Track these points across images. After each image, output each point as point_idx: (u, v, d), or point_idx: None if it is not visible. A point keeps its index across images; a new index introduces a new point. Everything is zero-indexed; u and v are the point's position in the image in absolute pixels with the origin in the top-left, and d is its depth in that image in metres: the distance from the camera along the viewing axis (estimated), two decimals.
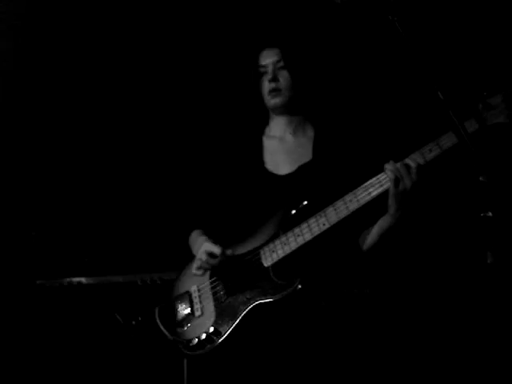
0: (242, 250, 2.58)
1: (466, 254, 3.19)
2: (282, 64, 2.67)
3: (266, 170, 2.67)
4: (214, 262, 2.53)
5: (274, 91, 2.66)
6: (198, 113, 4.03)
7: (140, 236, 4.07)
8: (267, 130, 2.78)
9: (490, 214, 2.57)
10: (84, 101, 4.14)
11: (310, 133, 2.73)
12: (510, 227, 1.92)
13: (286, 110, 2.70)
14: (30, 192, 4.20)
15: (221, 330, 2.51)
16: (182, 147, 4.03)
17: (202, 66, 4.01)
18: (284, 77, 2.66)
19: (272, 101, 2.68)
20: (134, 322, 3.68)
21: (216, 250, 2.52)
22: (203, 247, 2.55)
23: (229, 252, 2.53)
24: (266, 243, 2.54)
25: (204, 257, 2.53)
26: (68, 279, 3.93)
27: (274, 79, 2.66)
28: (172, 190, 3.81)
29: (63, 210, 4.22)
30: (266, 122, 2.79)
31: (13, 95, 4.07)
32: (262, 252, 2.53)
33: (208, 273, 2.61)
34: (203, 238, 2.63)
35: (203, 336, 2.52)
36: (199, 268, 2.56)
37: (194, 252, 2.66)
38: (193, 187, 2.84)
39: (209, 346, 2.51)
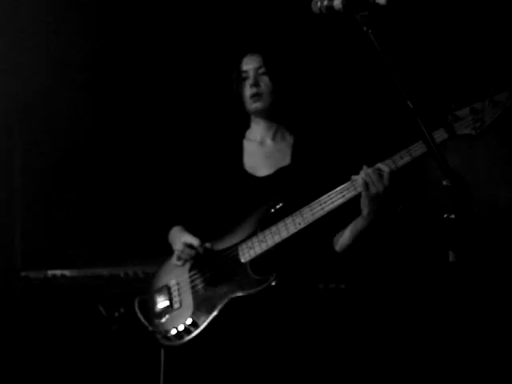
0: (221, 246, 2.69)
1: (430, 253, 3.32)
2: (263, 70, 2.76)
3: (245, 171, 2.78)
4: (192, 252, 2.64)
5: (255, 96, 2.76)
6: (181, 113, 4.13)
7: (124, 230, 4.16)
8: (248, 134, 2.89)
9: (453, 216, 2.70)
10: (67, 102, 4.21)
11: (290, 138, 2.83)
12: (470, 228, 2.05)
13: (266, 114, 2.81)
14: (14, 185, 4.28)
15: (198, 321, 2.62)
16: (165, 146, 4.12)
17: (187, 70, 4.11)
18: (265, 82, 2.76)
19: (253, 105, 2.78)
20: (116, 314, 3.78)
21: (194, 241, 2.64)
22: (182, 238, 2.67)
23: (207, 245, 2.64)
24: (244, 240, 2.65)
25: (182, 247, 2.65)
26: (52, 271, 4.02)
27: (255, 84, 2.75)
28: (154, 187, 3.90)
29: (49, 202, 4.30)
30: (247, 126, 2.89)
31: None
32: (239, 248, 2.65)
33: (187, 267, 2.72)
34: (183, 232, 2.74)
35: (181, 327, 2.63)
36: (179, 258, 2.67)
37: (174, 247, 2.76)
38: (174, 184, 2.95)
39: (186, 336, 2.62)
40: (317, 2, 2.24)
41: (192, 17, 4.04)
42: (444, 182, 1.92)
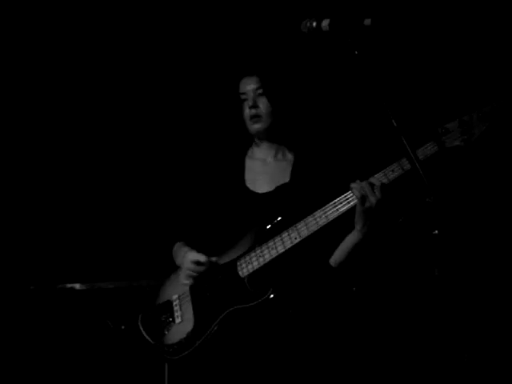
0: (220, 261, 2.76)
1: (417, 267, 3.38)
2: (261, 91, 2.82)
3: (246, 187, 2.85)
4: (200, 269, 2.72)
5: (255, 117, 2.82)
6: (183, 130, 4.20)
7: (130, 244, 4.23)
8: (250, 152, 2.96)
9: (436, 231, 2.76)
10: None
11: (290, 157, 2.90)
12: (452, 244, 2.10)
13: (267, 134, 2.87)
14: (24, 198, 4.35)
15: (199, 334, 2.69)
16: (168, 161, 4.19)
17: (191, 91, 4.18)
18: (264, 103, 2.82)
19: (253, 126, 2.84)
20: (123, 327, 3.86)
21: (201, 257, 2.72)
22: (189, 257, 2.74)
23: (213, 259, 2.72)
24: (243, 255, 2.72)
25: (191, 266, 2.73)
26: (61, 285, 4.09)
27: (254, 106, 2.81)
28: (156, 202, 3.97)
29: (55, 217, 4.37)
30: (249, 145, 2.96)
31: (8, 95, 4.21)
32: (238, 263, 2.72)
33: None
34: (186, 248, 2.81)
35: (183, 341, 2.71)
36: (188, 277, 2.75)
37: (178, 263, 2.84)
38: (174, 200, 3.02)
39: (188, 349, 2.69)
40: (306, 23, 2.31)
41: (190, 37, 4.11)
42: (427, 199, 1.98)
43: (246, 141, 2.95)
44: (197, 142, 4.02)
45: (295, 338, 2.71)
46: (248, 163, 2.92)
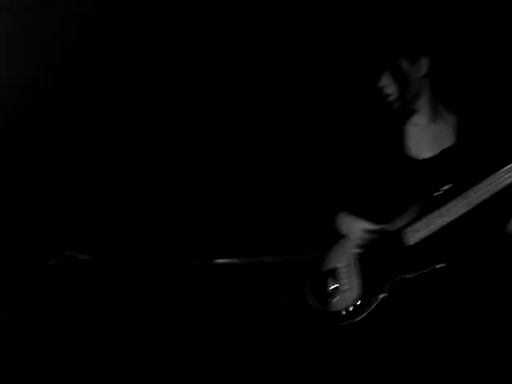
0: (387, 228, 2.76)
1: None
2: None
3: (408, 155, 2.82)
4: (370, 238, 2.75)
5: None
6: (344, 101, 4.18)
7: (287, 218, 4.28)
8: (411, 118, 2.91)
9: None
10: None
11: (452, 119, 2.84)
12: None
13: (426, 98, 2.83)
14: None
15: (367, 303, 2.72)
16: (329, 131, 4.17)
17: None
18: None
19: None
20: (281, 300, 3.95)
21: (371, 227, 2.76)
22: (358, 226, 2.80)
23: (383, 227, 2.74)
24: (410, 223, 2.71)
25: (361, 235, 2.77)
26: (217, 260, 4.21)
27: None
28: (317, 172, 3.97)
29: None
30: (410, 111, 2.92)
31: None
32: (405, 232, 2.71)
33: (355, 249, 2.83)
34: (352, 218, 2.85)
35: (351, 308, 2.75)
36: (357, 246, 2.79)
37: (343, 232, 2.88)
38: (338, 171, 3.03)
39: (355, 318, 2.73)
40: None
41: None
42: None
43: (405, 107, 2.89)
44: (352, 111, 3.99)
45: (468, 311, 2.67)
46: (408, 130, 2.88)
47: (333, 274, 2.86)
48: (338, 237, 2.93)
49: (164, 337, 4.11)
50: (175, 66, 4.24)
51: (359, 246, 2.79)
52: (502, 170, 2.53)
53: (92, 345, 4.01)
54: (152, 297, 4.15)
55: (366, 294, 2.73)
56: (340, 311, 2.77)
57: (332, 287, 2.84)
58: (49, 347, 3.96)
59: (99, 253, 4.19)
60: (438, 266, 2.61)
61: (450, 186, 2.65)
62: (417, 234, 2.68)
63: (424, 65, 2.77)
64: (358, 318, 2.72)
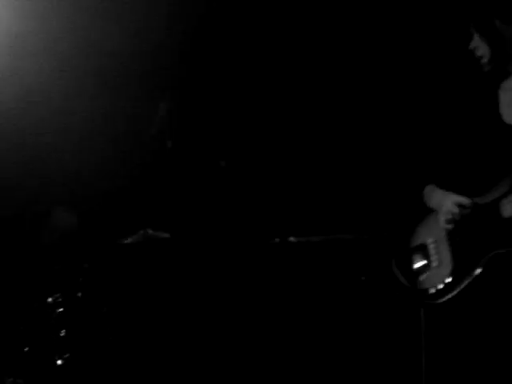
0: (479, 201, 2.61)
1: None
2: None
3: (503, 122, 2.65)
4: (463, 212, 2.61)
5: None
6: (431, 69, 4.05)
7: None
8: (504, 84, 2.74)
9: None
10: None
11: None
12: None
13: None
14: None
15: (459, 280, 2.56)
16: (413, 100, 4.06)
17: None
18: None
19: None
20: (363, 278, 3.85)
21: (464, 200, 2.62)
22: (451, 199, 2.65)
23: (476, 200, 2.59)
24: (505, 195, 2.54)
25: (454, 209, 2.63)
26: (297, 238, 4.14)
27: None
28: (407, 145, 3.88)
29: None
30: (501, 76, 2.76)
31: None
32: (501, 203, 2.54)
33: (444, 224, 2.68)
34: (442, 191, 2.71)
35: (441, 286, 2.60)
36: (449, 220, 2.65)
37: (432, 206, 2.74)
38: (426, 142, 2.90)
39: (446, 295, 2.58)
40: None
41: None
42: None
43: (498, 72, 2.73)
44: (446, 79, 3.85)
45: None
46: (502, 96, 2.70)
47: (421, 250, 2.72)
48: (425, 211, 2.78)
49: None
50: None
51: (450, 221, 2.64)
52: None
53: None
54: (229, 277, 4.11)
55: (458, 272, 2.57)
56: (429, 289, 2.63)
57: (420, 264, 2.70)
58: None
59: (176, 231, 4.19)
60: None
61: None
62: None
63: None
64: (449, 297, 2.57)
